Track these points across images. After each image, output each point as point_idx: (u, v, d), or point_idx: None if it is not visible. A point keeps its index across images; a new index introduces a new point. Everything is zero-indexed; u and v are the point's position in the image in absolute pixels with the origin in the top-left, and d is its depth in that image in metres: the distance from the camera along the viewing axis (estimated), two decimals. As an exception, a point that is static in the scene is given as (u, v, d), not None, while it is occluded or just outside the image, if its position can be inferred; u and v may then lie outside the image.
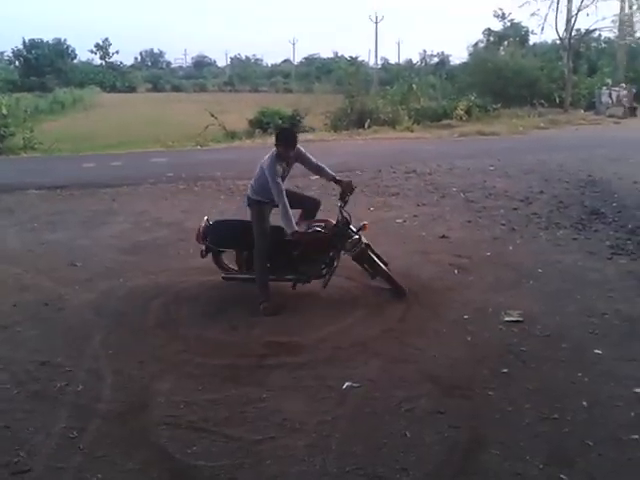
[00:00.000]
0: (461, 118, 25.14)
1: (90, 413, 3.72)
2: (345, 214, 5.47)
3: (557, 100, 30.49)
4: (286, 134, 5.51)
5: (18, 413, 3.73)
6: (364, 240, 5.48)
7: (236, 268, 5.85)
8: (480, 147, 17.31)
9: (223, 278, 5.81)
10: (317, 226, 5.52)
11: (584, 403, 3.74)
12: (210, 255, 5.77)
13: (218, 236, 5.66)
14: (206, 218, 5.82)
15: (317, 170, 5.71)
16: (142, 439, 3.45)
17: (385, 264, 5.66)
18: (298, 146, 5.42)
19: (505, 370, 4.18)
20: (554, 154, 14.88)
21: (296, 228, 5.24)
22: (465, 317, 5.12)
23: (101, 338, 4.81)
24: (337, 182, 5.60)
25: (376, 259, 5.57)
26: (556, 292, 5.70)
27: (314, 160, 5.65)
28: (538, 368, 4.22)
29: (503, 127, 22.87)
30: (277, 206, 5.30)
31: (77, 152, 18.37)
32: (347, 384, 4.03)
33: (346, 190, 5.52)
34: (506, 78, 30.90)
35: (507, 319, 5.06)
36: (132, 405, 3.81)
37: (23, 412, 3.74)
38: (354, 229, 5.48)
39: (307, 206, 5.74)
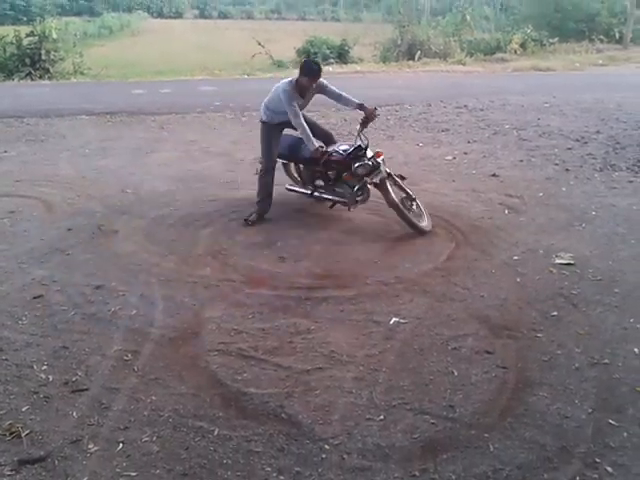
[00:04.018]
0: (515, 52, 24.32)
1: (143, 337, 3.82)
2: (363, 138, 5.51)
3: (617, 36, 28.83)
4: (311, 65, 5.53)
5: (75, 334, 3.85)
6: (384, 169, 5.50)
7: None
8: (535, 83, 16.73)
9: (286, 189, 6.23)
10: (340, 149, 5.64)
11: (635, 350, 3.68)
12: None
13: (281, 147, 5.91)
14: None
15: (340, 99, 5.70)
16: (194, 364, 3.54)
17: (412, 199, 5.67)
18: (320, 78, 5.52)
19: (555, 313, 4.13)
20: (612, 93, 14.30)
21: (316, 145, 5.45)
22: (515, 258, 5.05)
23: (152, 264, 4.91)
24: (362, 108, 5.61)
25: (395, 193, 5.55)
26: (610, 236, 5.56)
27: (337, 90, 5.68)
28: (589, 312, 4.15)
29: (559, 63, 22.02)
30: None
31: (126, 78, 18.38)
32: (394, 320, 4.04)
33: (370, 117, 5.56)
34: (564, 11, 29.39)
35: (558, 261, 4.97)
36: (184, 331, 3.89)
37: (80, 333, 3.85)
38: (369, 155, 5.50)
39: (320, 138, 5.79)
